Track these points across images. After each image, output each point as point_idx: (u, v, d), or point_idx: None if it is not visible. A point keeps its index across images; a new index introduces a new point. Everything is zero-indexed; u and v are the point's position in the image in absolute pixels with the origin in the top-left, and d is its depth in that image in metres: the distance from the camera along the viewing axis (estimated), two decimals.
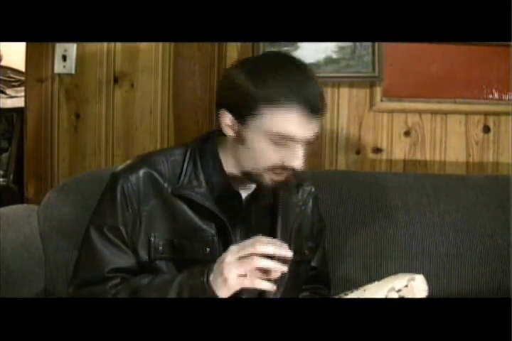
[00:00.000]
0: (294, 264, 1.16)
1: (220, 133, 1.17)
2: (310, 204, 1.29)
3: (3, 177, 2.62)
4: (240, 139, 1.12)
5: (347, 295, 1.05)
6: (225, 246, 1.11)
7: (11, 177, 2.61)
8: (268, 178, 1.13)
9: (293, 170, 1.12)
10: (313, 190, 1.30)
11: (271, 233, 1.18)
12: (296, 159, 1.10)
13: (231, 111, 1.11)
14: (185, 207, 1.16)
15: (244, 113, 1.10)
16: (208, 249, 1.15)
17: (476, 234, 1.56)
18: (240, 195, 1.20)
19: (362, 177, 1.68)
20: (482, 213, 1.59)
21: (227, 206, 1.17)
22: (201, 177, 1.17)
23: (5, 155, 2.68)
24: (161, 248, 1.15)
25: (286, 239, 1.17)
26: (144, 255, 1.15)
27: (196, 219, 1.16)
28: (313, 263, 1.33)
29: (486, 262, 1.54)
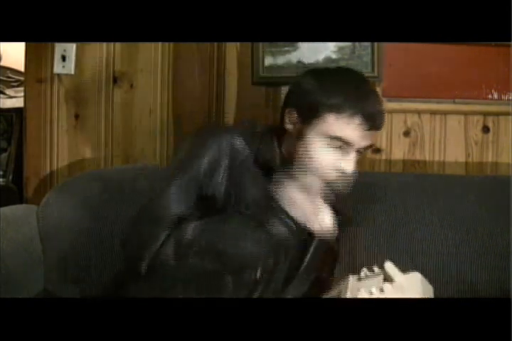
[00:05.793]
0: None
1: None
2: None
3: (2, 177, 2.62)
4: (299, 135, 1.24)
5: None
6: None
7: (11, 177, 2.60)
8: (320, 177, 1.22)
9: (342, 173, 1.22)
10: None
11: None
12: (348, 163, 1.22)
13: (297, 111, 1.24)
14: (260, 176, 1.25)
15: (310, 115, 1.21)
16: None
17: (475, 233, 1.56)
18: None
19: (361, 177, 1.67)
20: (481, 213, 1.59)
21: None
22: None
23: (4, 155, 2.68)
24: (239, 204, 1.23)
25: None
26: (219, 206, 1.23)
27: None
28: None
29: (485, 262, 1.54)
